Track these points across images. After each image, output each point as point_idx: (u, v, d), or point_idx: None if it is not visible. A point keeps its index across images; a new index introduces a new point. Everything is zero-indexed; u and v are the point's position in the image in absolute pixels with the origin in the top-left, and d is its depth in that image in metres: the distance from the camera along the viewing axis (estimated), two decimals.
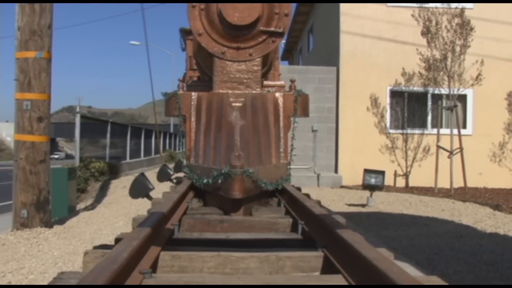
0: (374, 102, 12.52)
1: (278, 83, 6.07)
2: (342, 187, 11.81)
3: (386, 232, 5.97)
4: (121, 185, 12.50)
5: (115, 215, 6.99)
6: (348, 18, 12.64)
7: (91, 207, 9.32)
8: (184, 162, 5.27)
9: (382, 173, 7.99)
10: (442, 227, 6.39)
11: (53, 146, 44.09)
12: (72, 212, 8.45)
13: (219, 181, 3.87)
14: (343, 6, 12.70)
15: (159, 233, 2.68)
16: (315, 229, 2.92)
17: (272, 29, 5.31)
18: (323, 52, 15.59)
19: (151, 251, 2.39)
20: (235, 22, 5.04)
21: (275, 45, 5.37)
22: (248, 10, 4.33)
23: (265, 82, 5.84)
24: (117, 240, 2.90)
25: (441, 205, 8.57)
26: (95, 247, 2.70)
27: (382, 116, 12.55)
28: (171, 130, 34.76)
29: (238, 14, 4.51)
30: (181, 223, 3.62)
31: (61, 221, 6.69)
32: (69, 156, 50.28)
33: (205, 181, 4.22)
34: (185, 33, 9.42)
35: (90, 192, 12.48)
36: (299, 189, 5.50)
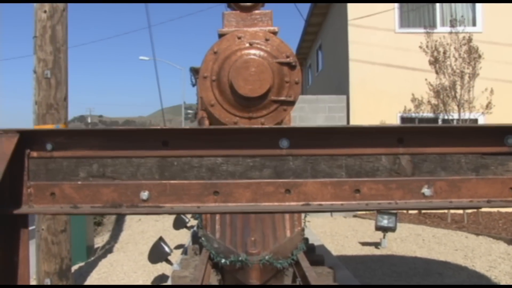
0: None
1: None
2: (355, 216, 11.91)
3: None
4: (136, 218, 12.70)
5: (133, 267, 7.17)
6: (356, 46, 12.73)
7: (109, 247, 9.51)
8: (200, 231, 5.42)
9: (394, 214, 8.07)
10: (455, 276, 6.47)
11: None
12: (91, 253, 8.66)
13: (237, 266, 4.04)
14: (351, 34, 12.79)
15: None
16: None
17: (283, 98, 5.43)
18: (332, 77, 15.69)
19: None
20: (247, 94, 5.18)
21: (286, 113, 5.47)
22: (259, 81, 4.45)
23: None
24: None
25: (454, 242, 8.64)
26: None
27: None
28: None
29: (249, 87, 4.63)
30: None
31: (82, 275, 6.87)
32: None
33: (222, 261, 4.38)
34: (196, 72, 9.59)
35: (106, 225, 12.70)
36: (313, 249, 5.64)
